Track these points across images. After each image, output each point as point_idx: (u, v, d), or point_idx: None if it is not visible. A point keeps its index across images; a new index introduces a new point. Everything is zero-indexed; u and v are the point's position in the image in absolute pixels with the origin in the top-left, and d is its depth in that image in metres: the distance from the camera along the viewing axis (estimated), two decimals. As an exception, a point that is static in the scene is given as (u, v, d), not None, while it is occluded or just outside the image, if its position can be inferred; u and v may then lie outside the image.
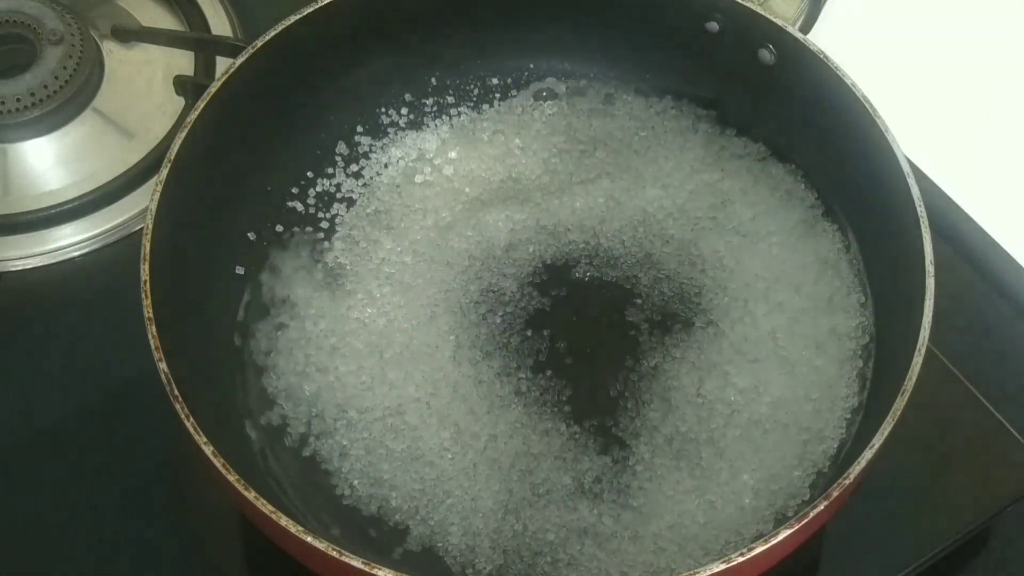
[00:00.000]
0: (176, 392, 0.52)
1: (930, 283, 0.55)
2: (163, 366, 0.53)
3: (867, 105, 0.61)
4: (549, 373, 0.62)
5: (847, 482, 0.50)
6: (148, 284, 0.55)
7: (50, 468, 0.65)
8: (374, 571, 0.47)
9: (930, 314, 0.54)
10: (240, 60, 0.64)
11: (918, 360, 0.53)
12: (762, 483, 0.58)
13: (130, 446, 0.66)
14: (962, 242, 0.73)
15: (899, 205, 0.59)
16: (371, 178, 0.69)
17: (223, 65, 0.73)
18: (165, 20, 0.84)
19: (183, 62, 0.81)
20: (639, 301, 0.65)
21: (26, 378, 0.69)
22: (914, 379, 0.52)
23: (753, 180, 0.68)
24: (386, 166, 0.70)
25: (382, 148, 0.70)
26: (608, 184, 0.69)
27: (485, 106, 0.72)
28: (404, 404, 0.61)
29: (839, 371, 0.61)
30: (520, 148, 0.70)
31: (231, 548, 0.64)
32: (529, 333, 0.64)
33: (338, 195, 0.68)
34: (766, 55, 0.67)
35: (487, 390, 0.61)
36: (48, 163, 0.77)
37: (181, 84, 0.79)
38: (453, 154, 0.70)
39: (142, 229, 0.57)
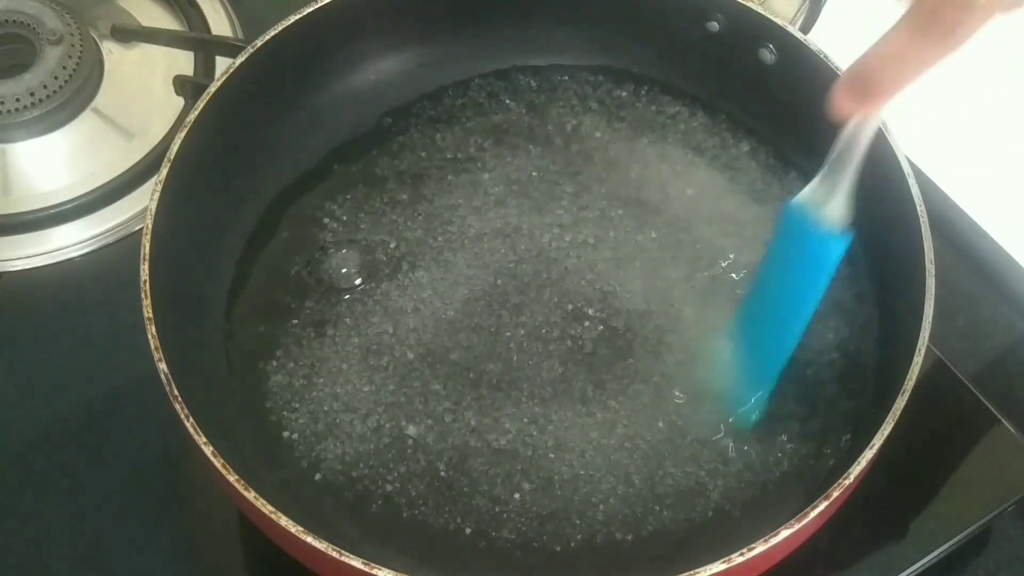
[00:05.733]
0: (176, 392, 0.52)
1: (930, 283, 0.55)
2: (163, 366, 0.53)
3: (867, 105, 0.61)
4: (561, 372, 0.62)
5: (847, 482, 0.50)
6: (148, 284, 0.55)
7: (49, 468, 0.65)
8: (374, 571, 0.47)
9: (930, 314, 0.55)
10: (240, 60, 0.64)
11: (918, 360, 0.53)
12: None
13: (130, 446, 0.66)
14: (962, 242, 0.73)
15: (899, 205, 0.59)
16: (371, 179, 0.69)
17: (223, 65, 0.73)
18: (165, 20, 0.84)
19: (183, 62, 0.82)
20: (634, 298, 0.64)
21: (26, 378, 0.69)
22: (914, 379, 0.52)
23: (753, 180, 0.68)
24: (386, 167, 0.70)
25: (382, 149, 0.70)
26: (607, 188, 0.68)
27: (486, 108, 0.72)
28: (405, 411, 0.61)
29: (839, 372, 0.62)
30: (519, 149, 0.70)
31: (231, 548, 0.64)
32: (535, 336, 0.63)
33: (338, 196, 0.68)
34: (766, 55, 0.67)
35: (487, 403, 0.61)
36: (48, 163, 0.77)
37: (181, 84, 0.79)
38: (453, 156, 0.70)
39: (142, 229, 0.57)
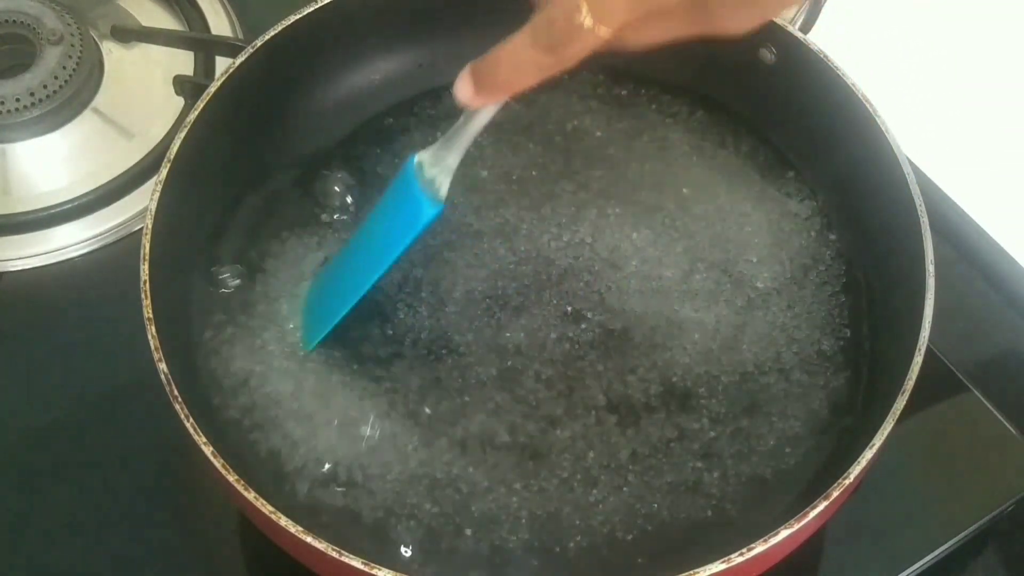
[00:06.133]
0: (176, 392, 0.52)
1: (930, 283, 0.56)
2: (163, 366, 0.53)
3: (867, 105, 0.61)
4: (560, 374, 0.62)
5: (847, 482, 0.50)
6: (148, 284, 0.55)
7: (50, 468, 0.65)
8: (374, 571, 0.47)
9: (930, 314, 0.55)
10: (240, 60, 0.64)
11: (918, 360, 0.53)
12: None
13: (130, 446, 0.66)
14: (962, 242, 0.73)
15: (899, 205, 0.59)
16: (372, 179, 0.69)
17: (223, 65, 0.73)
18: (165, 20, 0.84)
19: (183, 62, 0.82)
20: (630, 298, 0.64)
21: (26, 378, 0.69)
22: (914, 379, 0.52)
23: (752, 180, 0.68)
24: (387, 167, 0.70)
25: (382, 150, 0.70)
26: (606, 187, 0.68)
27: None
28: (404, 412, 0.61)
29: (838, 371, 0.62)
30: (519, 148, 0.70)
31: (231, 548, 0.64)
32: (534, 337, 0.63)
33: (337, 197, 0.68)
34: (766, 55, 0.67)
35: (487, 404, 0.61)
36: (48, 163, 0.77)
37: (181, 84, 0.79)
38: (454, 157, 0.70)
39: (142, 229, 0.57)
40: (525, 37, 0.46)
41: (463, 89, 0.49)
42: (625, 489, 0.58)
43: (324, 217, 0.67)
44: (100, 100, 0.80)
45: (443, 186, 0.55)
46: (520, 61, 0.46)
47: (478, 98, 0.49)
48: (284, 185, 0.68)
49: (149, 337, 0.54)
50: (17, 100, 0.76)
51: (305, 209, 0.68)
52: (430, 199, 0.55)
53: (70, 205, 0.74)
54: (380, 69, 0.72)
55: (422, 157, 0.55)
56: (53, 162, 0.77)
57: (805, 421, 0.60)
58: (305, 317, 0.62)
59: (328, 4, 0.66)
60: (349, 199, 0.68)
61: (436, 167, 0.55)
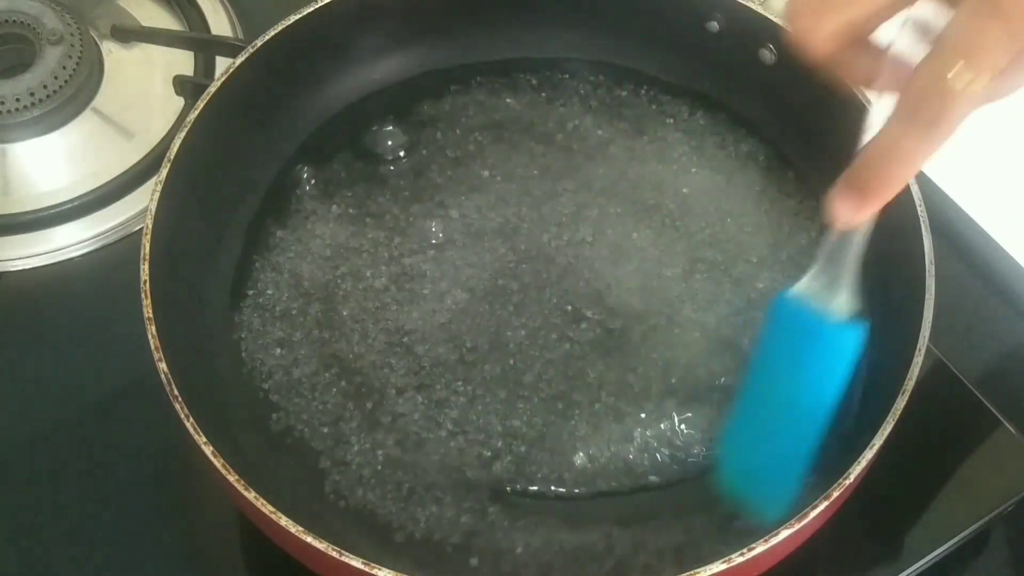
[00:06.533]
0: (176, 392, 0.52)
1: (930, 283, 0.56)
2: (163, 366, 0.53)
3: (867, 105, 0.61)
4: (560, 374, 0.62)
5: (847, 482, 0.50)
6: (148, 284, 0.55)
7: (50, 468, 0.65)
8: (374, 571, 0.47)
9: (930, 313, 0.55)
10: (240, 60, 0.64)
11: (918, 360, 0.53)
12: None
13: (130, 446, 0.66)
14: (962, 242, 0.73)
15: (899, 205, 0.59)
16: (373, 178, 0.69)
17: (223, 65, 0.73)
18: (165, 20, 0.84)
19: (183, 62, 0.82)
20: (630, 297, 0.64)
21: (26, 378, 0.69)
22: (914, 379, 0.52)
23: (752, 181, 0.68)
24: (388, 166, 0.70)
25: (384, 147, 0.70)
26: (606, 186, 0.68)
27: (487, 106, 0.72)
28: (406, 415, 0.61)
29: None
30: (520, 147, 0.70)
31: (231, 548, 0.64)
32: (535, 337, 0.64)
33: (338, 196, 0.68)
34: (766, 55, 0.67)
35: (487, 405, 0.61)
36: (48, 163, 0.77)
37: (181, 84, 0.79)
38: (454, 155, 0.70)
39: (142, 229, 0.57)
40: (895, 126, 0.42)
41: (844, 209, 0.45)
42: (624, 490, 0.58)
43: (325, 215, 0.68)
44: (100, 100, 0.80)
45: (847, 303, 0.50)
46: (900, 152, 0.42)
47: (863, 210, 0.44)
48: (284, 185, 0.68)
49: (149, 337, 0.54)
50: (17, 100, 0.76)
51: (305, 210, 0.68)
52: (844, 322, 0.50)
53: (70, 205, 0.74)
54: (380, 69, 0.72)
55: (799, 292, 0.50)
56: (53, 162, 0.77)
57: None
58: (744, 488, 0.56)
59: (328, 4, 0.66)
60: (349, 196, 0.68)
61: (826, 292, 0.50)
